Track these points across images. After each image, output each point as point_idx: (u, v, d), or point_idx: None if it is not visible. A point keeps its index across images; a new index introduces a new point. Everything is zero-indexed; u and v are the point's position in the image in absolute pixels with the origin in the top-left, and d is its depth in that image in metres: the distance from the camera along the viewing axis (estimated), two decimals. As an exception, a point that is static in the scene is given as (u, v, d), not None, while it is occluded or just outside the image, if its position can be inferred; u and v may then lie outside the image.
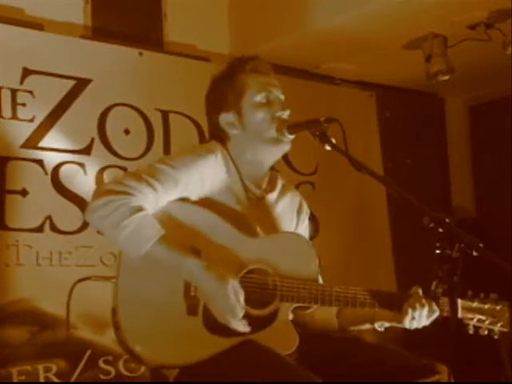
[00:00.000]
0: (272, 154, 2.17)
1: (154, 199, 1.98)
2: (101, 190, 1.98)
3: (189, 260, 1.92)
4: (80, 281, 3.16)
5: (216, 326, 1.95)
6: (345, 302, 2.03)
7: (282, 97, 2.19)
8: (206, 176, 2.07)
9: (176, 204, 2.04)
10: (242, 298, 1.91)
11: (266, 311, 2.00)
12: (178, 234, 1.99)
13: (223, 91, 2.19)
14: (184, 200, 2.05)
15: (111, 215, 1.90)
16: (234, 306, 1.89)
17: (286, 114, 2.14)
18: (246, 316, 1.95)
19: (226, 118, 2.17)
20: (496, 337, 2.10)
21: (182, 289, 1.97)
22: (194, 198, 2.06)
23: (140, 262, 1.94)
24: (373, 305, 2.03)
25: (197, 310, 1.96)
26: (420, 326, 2.03)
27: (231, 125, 2.16)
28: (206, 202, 2.06)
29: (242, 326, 1.92)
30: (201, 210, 2.04)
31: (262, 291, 2.01)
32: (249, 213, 2.13)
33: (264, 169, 2.21)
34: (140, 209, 1.92)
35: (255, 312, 1.99)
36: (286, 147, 2.15)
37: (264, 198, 2.21)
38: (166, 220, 2.00)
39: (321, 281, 2.23)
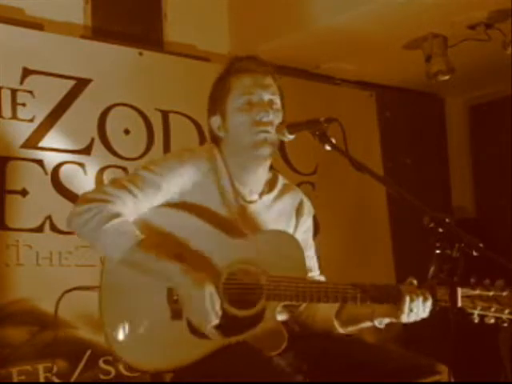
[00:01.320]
0: (253, 159, 2.14)
1: (134, 206, 2.01)
2: (81, 199, 2.02)
3: (167, 264, 1.93)
4: (67, 291, 3.14)
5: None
6: (334, 298, 1.99)
7: (271, 97, 2.14)
8: (189, 181, 2.07)
9: (159, 209, 2.06)
10: (217, 305, 1.92)
11: (252, 311, 1.99)
12: (160, 239, 2.00)
13: (214, 94, 2.20)
14: (166, 206, 2.06)
15: (89, 222, 1.94)
16: (208, 312, 1.90)
17: (269, 116, 2.10)
18: (233, 317, 1.96)
19: (215, 121, 2.19)
20: (505, 324, 1.97)
21: (165, 294, 1.98)
22: (177, 202, 2.07)
23: (121, 269, 1.96)
24: (364, 299, 2.00)
25: (181, 313, 1.97)
26: (418, 318, 2.00)
27: (218, 128, 2.18)
28: (190, 207, 2.06)
29: (213, 334, 1.93)
30: (183, 214, 2.05)
31: (248, 291, 2.01)
32: (237, 217, 2.12)
33: (253, 172, 2.18)
34: (117, 215, 1.95)
35: (242, 313, 1.99)
36: (265, 152, 2.11)
37: (255, 202, 2.18)
38: (148, 225, 2.02)
39: (323, 280, 2.24)
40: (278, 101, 2.16)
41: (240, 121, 2.11)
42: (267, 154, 2.13)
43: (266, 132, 2.09)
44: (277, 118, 2.13)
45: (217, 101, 2.18)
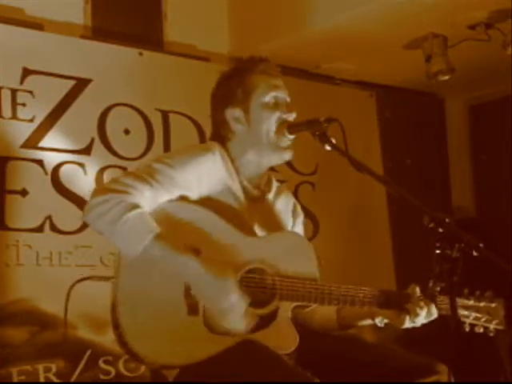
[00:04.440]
0: (271, 159, 2.18)
1: (151, 197, 1.99)
2: (98, 189, 2.01)
3: (186, 258, 1.92)
4: (79, 281, 3.15)
5: (217, 326, 1.95)
6: (344, 301, 2.03)
7: (289, 100, 2.19)
8: (204, 175, 2.07)
9: (174, 203, 2.04)
10: (243, 296, 1.91)
11: (265, 310, 2.00)
12: (176, 232, 1.99)
13: (232, 88, 2.19)
14: (182, 199, 2.05)
15: (108, 213, 1.91)
16: (236, 302, 1.90)
17: (292, 117, 2.14)
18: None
19: (232, 113, 2.17)
20: (491, 334, 2.09)
21: (182, 288, 1.96)
22: (192, 196, 2.06)
23: (139, 262, 1.93)
24: (372, 304, 2.04)
25: (197, 309, 1.96)
26: (418, 325, 2.05)
27: (237, 120, 2.16)
28: (204, 201, 2.07)
29: (242, 324, 1.92)
30: (200, 208, 2.04)
31: (261, 290, 2.01)
32: (247, 212, 2.14)
33: (263, 169, 2.21)
34: (136, 206, 1.93)
35: (256, 311, 1.99)
36: (285, 156, 2.16)
37: (262, 199, 2.21)
38: (164, 218, 2.00)
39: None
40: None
41: (267, 117, 2.13)
42: (287, 158, 2.19)
43: (289, 137, 2.13)
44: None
45: (238, 94, 2.17)
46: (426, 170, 5.01)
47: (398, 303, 2.04)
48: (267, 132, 2.13)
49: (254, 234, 2.12)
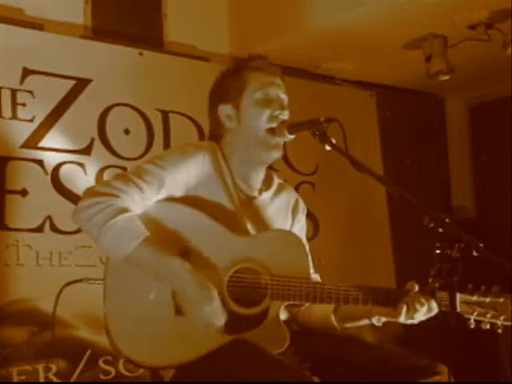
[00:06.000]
0: (260, 157, 2.16)
1: (141, 200, 2.00)
2: (88, 192, 2.01)
3: (173, 262, 1.92)
4: (68, 284, 3.13)
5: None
6: (337, 299, 2.01)
7: (284, 97, 2.18)
8: (193, 175, 2.08)
9: (163, 204, 2.05)
10: (221, 307, 1.93)
11: (256, 310, 2.00)
12: (164, 234, 2.00)
13: (225, 85, 2.20)
14: (171, 200, 2.06)
15: (96, 216, 1.92)
16: (218, 311, 1.91)
17: (284, 114, 2.13)
18: (237, 315, 1.97)
19: (224, 110, 2.18)
20: (499, 330, 2.01)
21: (169, 289, 1.97)
22: (182, 197, 2.07)
23: (127, 265, 1.95)
24: (366, 301, 2.01)
25: None
26: (416, 321, 2.02)
27: (228, 117, 2.17)
28: (194, 201, 2.07)
29: (218, 333, 1.93)
30: (188, 209, 2.05)
31: (252, 290, 2.01)
32: (240, 212, 2.13)
33: (256, 168, 2.20)
34: (125, 210, 1.94)
35: (246, 311, 1.99)
36: (274, 154, 2.15)
37: (256, 198, 2.20)
38: (153, 220, 2.01)
39: (319, 280, 2.24)
40: (287, 101, 2.20)
41: (257, 113, 2.13)
42: (277, 158, 2.17)
43: (279, 135, 2.12)
44: (287, 118, 2.15)
45: (230, 91, 2.18)
46: (426, 170, 5.01)
47: (395, 300, 2.02)
48: (257, 130, 2.13)
49: (246, 233, 2.12)
